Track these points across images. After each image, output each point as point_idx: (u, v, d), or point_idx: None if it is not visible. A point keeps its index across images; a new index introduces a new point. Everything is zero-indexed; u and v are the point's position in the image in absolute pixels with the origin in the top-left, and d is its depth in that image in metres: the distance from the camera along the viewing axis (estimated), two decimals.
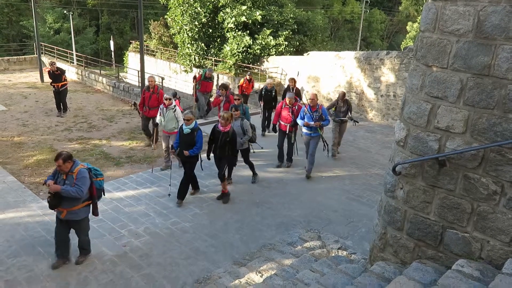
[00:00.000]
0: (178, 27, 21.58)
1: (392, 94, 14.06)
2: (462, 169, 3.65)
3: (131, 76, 21.35)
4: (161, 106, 9.38)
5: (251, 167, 8.90)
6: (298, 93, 12.16)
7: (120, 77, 20.24)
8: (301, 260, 5.46)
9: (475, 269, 3.46)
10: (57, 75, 13.97)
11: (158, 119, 9.46)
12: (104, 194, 6.19)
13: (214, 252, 6.44)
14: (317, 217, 7.54)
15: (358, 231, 7.14)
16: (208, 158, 8.16)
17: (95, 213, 5.85)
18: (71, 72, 21.69)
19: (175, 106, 9.25)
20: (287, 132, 9.50)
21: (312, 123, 8.98)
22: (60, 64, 22.91)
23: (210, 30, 21.27)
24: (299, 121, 9.15)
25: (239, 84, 15.98)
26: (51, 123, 13.35)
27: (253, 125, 8.95)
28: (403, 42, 44.58)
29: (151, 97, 10.69)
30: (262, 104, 12.62)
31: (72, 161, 5.45)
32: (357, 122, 10.94)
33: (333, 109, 10.50)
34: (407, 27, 45.07)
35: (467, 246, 3.72)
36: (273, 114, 11.57)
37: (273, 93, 12.44)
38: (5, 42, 34.43)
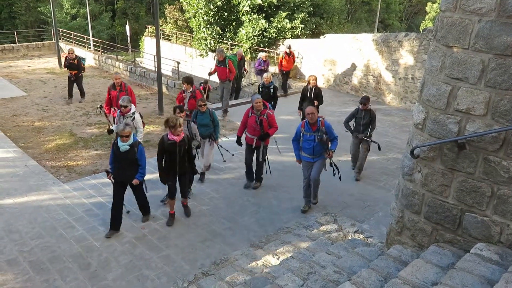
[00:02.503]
0: (193, 11, 21.45)
1: (410, 77, 13.80)
2: (482, 152, 3.58)
3: (147, 61, 21.41)
4: (117, 112, 8.15)
5: (190, 182, 7.37)
6: (319, 95, 10.18)
7: (136, 62, 20.33)
8: (318, 243, 5.49)
9: (494, 253, 3.43)
10: (73, 64, 13.99)
11: (114, 127, 8.15)
12: None
13: (231, 234, 6.52)
14: (334, 200, 7.54)
15: (374, 215, 7.13)
16: (165, 182, 6.66)
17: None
18: (89, 58, 21.87)
19: (133, 113, 7.95)
20: (253, 146, 7.65)
21: (312, 156, 6.87)
22: (78, 50, 23.14)
23: (226, 14, 21.09)
24: (293, 144, 7.05)
25: (278, 60, 15.26)
26: (70, 108, 13.55)
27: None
28: (422, 24, 43.52)
29: (119, 95, 9.42)
30: None
31: None
32: (379, 146, 8.21)
33: (353, 120, 8.31)
34: (427, 8, 43.90)
35: (486, 230, 3.68)
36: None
37: (272, 90, 10.44)
38: (24, 28, 34.78)
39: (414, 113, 4.16)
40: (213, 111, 7.92)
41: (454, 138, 3.67)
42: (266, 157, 7.85)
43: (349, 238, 5.84)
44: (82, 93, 14.65)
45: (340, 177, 7.34)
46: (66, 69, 14.50)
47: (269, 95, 10.27)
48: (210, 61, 20.96)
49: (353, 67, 15.74)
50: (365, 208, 7.37)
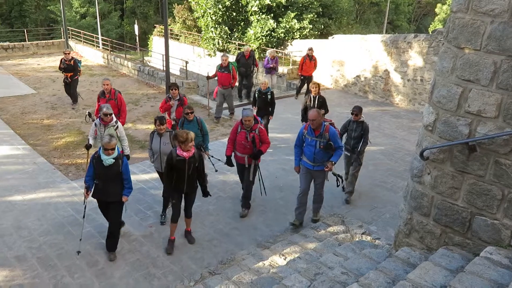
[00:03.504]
0: (201, 11, 21.52)
1: (419, 79, 13.73)
2: (493, 154, 3.55)
3: (155, 60, 21.50)
4: (97, 121, 7.16)
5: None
6: (323, 104, 9.34)
7: (144, 61, 20.41)
8: (325, 244, 5.47)
9: (504, 257, 3.40)
10: (69, 66, 13.01)
11: (91, 140, 7.19)
12: None
13: (238, 234, 6.52)
14: (341, 202, 7.51)
15: (382, 216, 7.10)
16: (173, 200, 5.97)
17: None
18: (98, 56, 22.00)
19: (116, 122, 7.23)
20: (246, 166, 6.91)
21: (313, 164, 6.27)
22: (86, 49, 23.29)
23: (234, 14, 21.13)
24: (295, 151, 6.51)
25: (299, 63, 14.35)
26: (79, 106, 13.62)
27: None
28: (431, 25, 43.29)
29: (108, 103, 8.52)
30: (255, 110, 9.90)
31: None
32: (359, 162, 7.37)
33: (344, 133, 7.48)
34: (436, 9, 43.66)
35: (496, 233, 3.64)
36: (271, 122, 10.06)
37: (269, 96, 9.82)
38: (34, 27, 35.10)
39: (424, 114, 4.13)
40: (201, 119, 7.41)
41: (464, 140, 3.63)
42: (260, 176, 7.18)
43: (357, 239, 5.82)
44: (75, 99, 13.52)
45: (344, 188, 7.29)
46: (61, 72, 13.38)
47: (266, 101, 9.82)
48: (218, 61, 20.98)
49: (362, 68, 15.69)
50: (372, 210, 7.34)
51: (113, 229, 5.82)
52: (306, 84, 13.80)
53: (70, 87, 13.35)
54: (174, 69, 17.71)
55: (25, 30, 25.61)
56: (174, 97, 8.63)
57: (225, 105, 12.59)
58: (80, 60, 13.91)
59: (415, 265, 3.74)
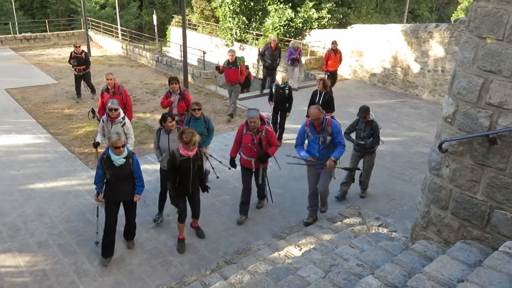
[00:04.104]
0: (219, 1, 21.46)
1: (440, 69, 13.46)
2: None
3: (173, 50, 21.57)
4: (104, 118, 7.00)
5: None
6: (329, 102, 8.82)
7: (163, 52, 20.51)
8: (341, 235, 5.46)
9: None
10: (80, 59, 12.91)
11: (99, 137, 7.10)
12: None
13: (254, 224, 6.56)
14: (358, 193, 7.47)
15: (399, 209, 7.04)
16: (176, 205, 5.70)
17: None
18: (117, 47, 22.20)
19: (124, 118, 7.03)
20: (253, 170, 6.50)
21: (317, 158, 5.97)
22: (106, 39, 23.53)
23: (252, 4, 21.00)
24: (300, 153, 6.15)
25: (323, 57, 13.69)
26: (98, 95, 13.79)
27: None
28: (453, 14, 42.22)
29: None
30: (273, 106, 9.59)
31: None
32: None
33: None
34: None
35: None
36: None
37: (287, 90, 9.32)
38: (55, 18, 35.58)
39: (444, 106, 4.05)
40: (209, 118, 7.17)
41: (485, 133, 3.56)
42: (266, 182, 6.77)
43: (373, 231, 5.79)
44: (93, 89, 13.60)
45: (360, 181, 7.21)
46: (72, 66, 13.08)
47: (284, 96, 9.29)
48: (236, 51, 20.92)
49: (381, 58, 15.46)
50: (389, 202, 7.28)
51: (132, 225, 5.87)
52: (331, 79, 13.24)
53: (85, 80, 13.25)
54: (192, 59, 17.75)
55: (46, 21, 25.99)
56: (175, 91, 8.21)
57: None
58: (89, 54, 13.82)
59: (431, 259, 3.71)
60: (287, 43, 18.89)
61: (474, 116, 3.66)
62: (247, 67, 14.89)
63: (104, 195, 5.48)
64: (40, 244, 5.98)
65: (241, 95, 14.30)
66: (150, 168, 8.40)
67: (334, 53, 13.30)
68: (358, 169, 6.78)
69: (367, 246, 4.71)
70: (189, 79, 15.13)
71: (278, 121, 9.62)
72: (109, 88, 8.67)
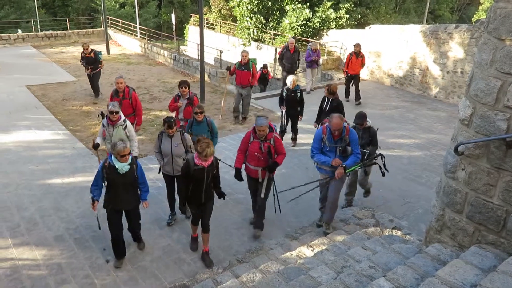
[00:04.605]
0: (237, 0, 21.53)
1: (459, 71, 13.24)
2: None
3: (191, 49, 21.74)
4: (104, 122, 6.76)
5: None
6: (338, 108, 8.25)
7: (180, 50, 20.68)
8: (353, 237, 5.43)
9: None
10: (89, 58, 12.81)
11: (99, 139, 6.87)
12: None
13: (266, 224, 6.55)
14: (372, 195, 7.40)
15: (414, 211, 6.97)
16: (192, 211, 5.73)
17: None
18: (135, 45, 22.47)
19: (125, 121, 6.79)
20: (259, 180, 6.09)
21: (337, 163, 5.62)
22: (124, 37, 23.81)
23: (269, 3, 21.00)
24: (321, 158, 5.77)
25: (345, 60, 12.94)
26: (102, 98, 13.97)
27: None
28: (475, 15, 41.51)
29: (122, 103, 8.13)
30: (284, 111, 9.31)
31: None
32: (384, 170, 6.28)
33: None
34: None
35: None
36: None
37: (299, 94, 9.04)
38: (75, 16, 36.20)
39: (460, 108, 3.99)
40: (212, 120, 6.95)
41: (502, 136, 3.49)
42: (274, 190, 6.33)
43: (386, 234, 5.74)
44: (97, 92, 13.43)
45: (385, 170, 6.27)
46: (83, 65, 13.14)
47: (295, 99, 9.05)
48: (253, 50, 20.99)
49: (399, 59, 15.29)
50: (404, 205, 7.21)
51: (137, 230, 5.82)
52: (354, 84, 12.90)
53: (93, 80, 13.18)
54: (209, 58, 17.84)
55: (67, 19, 26.44)
56: (184, 95, 7.91)
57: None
58: (100, 51, 13.49)
59: (445, 262, 3.66)
60: (304, 43, 18.83)
61: (491, 119, 3.60)
62: (265, 66, 14.84)
63: (106, 203, 5.37)
64: (56, 238, 6.11)
65: (258, 94, 14.34)
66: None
67: (356, 56, 12.60)
68: (375, 163, 6.31)
69: (380, 248, 4.67)
70: (206, 77, 15.22)
71: (291, 125, 9.45)
72: (119, 91, 8.39)
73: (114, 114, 6.56)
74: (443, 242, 4.19)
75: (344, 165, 5.59)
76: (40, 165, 8.50)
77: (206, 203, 5.52)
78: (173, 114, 8.08)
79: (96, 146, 6.90)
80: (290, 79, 9.11)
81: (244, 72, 10.63)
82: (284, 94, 9.17)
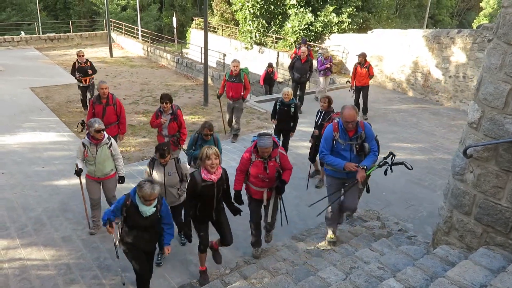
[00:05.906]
0: (240, 4, 21.65)
1: (461, 75, 13.33)
2: None
3: (192, 52, 21.82)
4: (85, 141, 5.93)
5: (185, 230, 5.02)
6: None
7: (182, 53, 20.78)
8: (360, 238, 5.48)
9: None
10: (84, 68, 11.43)
11: (80, 164, 5.97)
12: None
13: None
14: (376, 198, 7.46)
15: (419, 214, 7.01)
16: (201, 233, 5.04)
17: None
18: (138, 48, 22.56)
19: (109, 138, 6.05)
20: (264, 202, 5.48)
21: (353, 165, 4.92)
22: (127, 40, 23.89)
23: (272, 7, 21.13)
24: (329, 160, 5.08)
25: (352, 70, 11.86)
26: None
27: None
28: (475, 20, 41.73)
29: (106, 110, 7.69)
30: (275, 125, 8.48)
31: None
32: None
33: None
34: (482, 4, 42.01)
35: None
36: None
37: (292, 108, 8.14)
38: (77, 19, 36.33)
39: (469, 111, 4.05)
40: (217, 136, 6.44)
41: (511, 139, 3.55)
42: (282, 205, 5.66)
43: (392, 235, 5.78)
44: (86, 106, 11.59)
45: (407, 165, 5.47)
46: (74, 77, 11.69)
47: (289, 114, 8.16)
48: (255, 54, 21.08)
49: (401, 63, 15.38)
50: (408, 208, 7.25)
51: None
52: (362, 96, 11.80)
53: (88, 91, 11.71)
54: (211, 62, 17.93)
55: (70, 22, 26.54)
56: (166, 111, 7.17)
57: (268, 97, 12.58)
58: (93, 65, 12.03)
59: (454, 264, 3.71)
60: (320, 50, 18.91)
61: (500, 122, 3.66)
62: (270, 65, 14.41)
63: (122, 239, 4.61)
64: (64, 239, 6.14)
65: (261, 97, 14.36)
66: None
67: (361, 67, 11.45)
68: (402, 163, 5.43)
69: (387, 249, 4.72)
70: (209, 81, 15.30)
71: (281, 141, 8.37)
72: (102, 98, 7.77)
73: (101, 132, 5.82)
74: (451, 243, 4.24)
75: (365, 166, 4.90)
76: (45, 166, 8.55)
77: (219, 219, 5.03)
78: (156, 130, 7.64)
79: (79, 173, 5.97)
80: (284, 92, 8.21)
81: (235, 84, 9.64)
82: (277, 107, 8.27)
